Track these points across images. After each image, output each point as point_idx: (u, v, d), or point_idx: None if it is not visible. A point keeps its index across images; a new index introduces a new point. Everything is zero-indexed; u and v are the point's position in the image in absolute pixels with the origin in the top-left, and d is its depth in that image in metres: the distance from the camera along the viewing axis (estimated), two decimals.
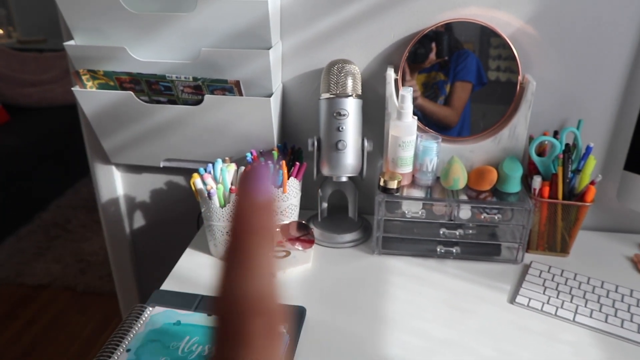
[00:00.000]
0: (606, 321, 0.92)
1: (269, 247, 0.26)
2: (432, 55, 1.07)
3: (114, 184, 1.37)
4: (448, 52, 1.07)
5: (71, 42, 1.10)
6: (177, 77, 1.08)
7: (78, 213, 3.10)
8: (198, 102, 1.11)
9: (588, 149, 1.03)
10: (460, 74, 1.08)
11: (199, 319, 0.90)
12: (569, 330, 0.91)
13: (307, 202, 1.23)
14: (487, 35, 1.05)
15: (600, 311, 0.94)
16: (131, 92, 1.12)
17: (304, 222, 1.14)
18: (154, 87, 1.11)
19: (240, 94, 1.08)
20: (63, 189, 3.32)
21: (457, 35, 1.06)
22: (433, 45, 1.07)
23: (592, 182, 1.04)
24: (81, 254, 2.72)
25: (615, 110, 1.10)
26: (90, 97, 1.14)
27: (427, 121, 1.12)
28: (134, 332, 0.87)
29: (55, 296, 2.42)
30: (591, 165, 1.04)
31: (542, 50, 1.06)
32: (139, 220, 1.43)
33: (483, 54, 1.06)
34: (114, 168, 1.35)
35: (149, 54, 1.09)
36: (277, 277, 0.26)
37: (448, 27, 1.05)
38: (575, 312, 0.94)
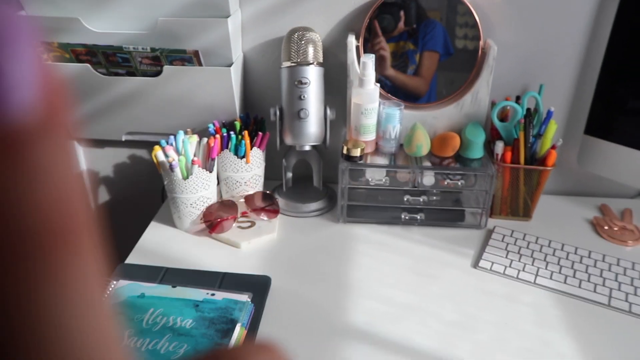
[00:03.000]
0: (565, 282, 0.94)
1: None
2: (401, 24, 1.06)
3: (76, 159, 1.34)
4: (416, 20, 1.06)
5: (22, 13, 1.07)
6: (134, 48, 1.05)
7: None
8: (157, 73, 1.09)
9: (549, 114, 1.04)
10: (428, 44, 1.08)
11: (164, 290, 0.89)
12: (530, 292, 0.93)
13: (272, 173, 1.22)
14: (454, 3, 1.04)
15: (560, 273, 0.96)
16: (88, 65, 1.09)
17: (268, 192, 1.13)
18: (112, 59, 1.08)
19: (200, 64, 1.06)
20: None
21: (423, 4, 1.05)
22: (401, 13, 1.05)
23: (553, 147, 1.05)
24: None
25: (576, 74, 1.11)
26: None
27: (396, 91, 1.11)
28: None
29: None
30: (552, 129, 1.05)
31: (503, 15, 1.06)
32: (103, 195, 1.40)
33: (450, 24, 1.06)
34: (75, 143, 1.32)
35: (105, 25, 1.06)
36: None
37: None
38: (536, 275, 0.96)
